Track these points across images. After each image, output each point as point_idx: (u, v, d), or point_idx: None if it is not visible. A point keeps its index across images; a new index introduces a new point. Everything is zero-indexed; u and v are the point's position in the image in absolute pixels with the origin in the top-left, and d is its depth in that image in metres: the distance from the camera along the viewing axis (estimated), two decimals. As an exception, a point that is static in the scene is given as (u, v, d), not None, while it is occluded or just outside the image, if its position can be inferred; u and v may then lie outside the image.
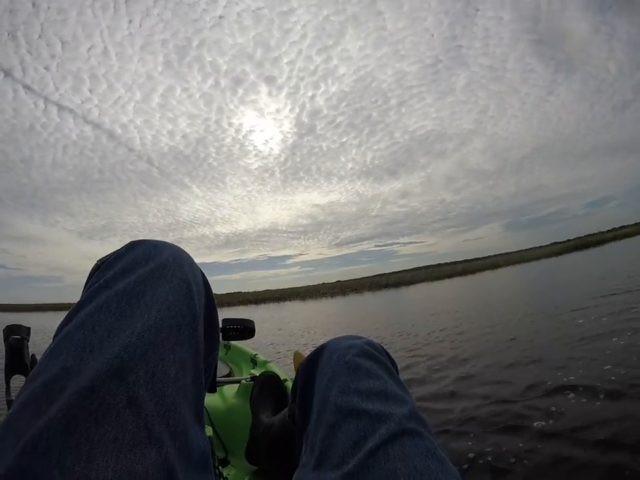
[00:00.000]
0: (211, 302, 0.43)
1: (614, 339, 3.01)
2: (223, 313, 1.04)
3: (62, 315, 0.36)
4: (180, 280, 0.37)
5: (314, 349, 0.55)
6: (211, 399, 1.09)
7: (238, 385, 1.15)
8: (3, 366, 0.77)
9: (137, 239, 0.41)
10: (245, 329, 1.05)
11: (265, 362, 1.41)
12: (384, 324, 7.04)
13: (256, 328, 1.13)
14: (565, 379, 2.35)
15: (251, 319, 1.14)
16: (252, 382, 1.08)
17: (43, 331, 8.07)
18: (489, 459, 1.63)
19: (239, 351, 1.75)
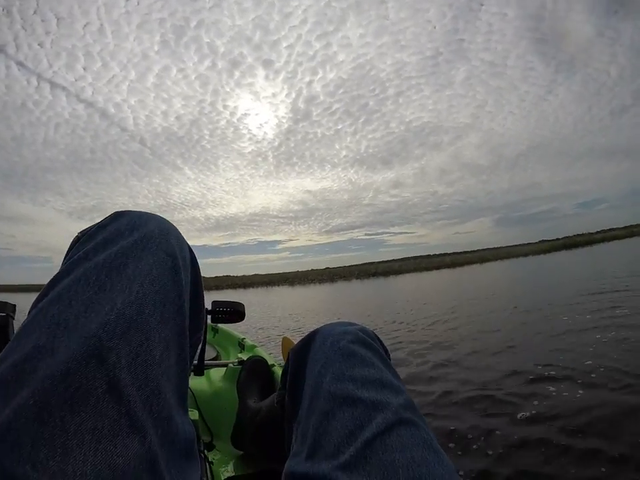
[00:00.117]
0: (198, 278, 0.40)
1: (597, 336, 3.08)
2: (212, 296, 1.02)
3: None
4: (165, 253, 0.35)
5: (305, 334, 0.53)
6: (197, 382, 1.07)
7: (225, 368, 1.14)
8: None
9: (122, 209, 0.38)
10: (235, 312, 1.03)
11: (253, 346, 1.40)
12: (373, 312, 7.10)
13: (246, 312, 1.11)
14: (546, 371, 2.41)
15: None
16: (239, 366, 1.07)
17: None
18: (464, 441, 1.68)
19: (226, 334, 1.74)
